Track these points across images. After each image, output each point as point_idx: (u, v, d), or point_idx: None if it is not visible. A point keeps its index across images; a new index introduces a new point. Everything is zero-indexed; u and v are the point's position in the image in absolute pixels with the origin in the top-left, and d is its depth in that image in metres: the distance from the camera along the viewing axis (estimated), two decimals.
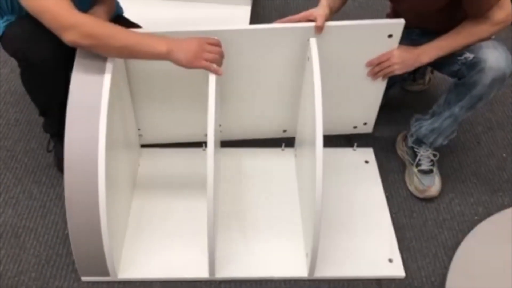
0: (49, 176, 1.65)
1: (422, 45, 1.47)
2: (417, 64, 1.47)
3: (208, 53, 1.26)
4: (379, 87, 1.56)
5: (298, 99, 1.58)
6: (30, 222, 1.53)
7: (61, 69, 1.37)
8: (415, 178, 1.63)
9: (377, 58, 1.47)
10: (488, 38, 1.43)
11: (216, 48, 1.28)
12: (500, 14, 1.36)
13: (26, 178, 1.65)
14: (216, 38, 1.31)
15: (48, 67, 1.34)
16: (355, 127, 1.72)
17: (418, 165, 1.63)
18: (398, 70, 1.47)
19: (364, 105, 1.64)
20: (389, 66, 1.47)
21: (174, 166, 1.68)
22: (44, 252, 1.46)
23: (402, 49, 1.46)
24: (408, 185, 1.66)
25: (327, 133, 1.71)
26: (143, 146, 1.73)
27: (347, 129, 1.73)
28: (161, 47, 1.22)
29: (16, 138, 1.77)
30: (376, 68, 1.49)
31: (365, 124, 1.71)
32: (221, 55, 1.30)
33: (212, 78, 1.28)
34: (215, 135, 1.27)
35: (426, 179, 1.61)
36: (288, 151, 1.75)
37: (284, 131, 1.72)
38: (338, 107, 1.62)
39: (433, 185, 1.61)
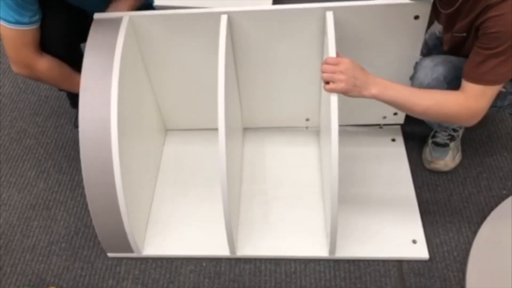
0: (78, 151, 1.64)
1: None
2: (360, 94, 1.19)
3: None
4: (408, 74, 1.46)
5: (320, 86, 1.54)
6: (60, 195, 1.60)
7: (66, 41, 1.44)
8: (427, 148, 1.61)
9: (325, 59, 1.21)
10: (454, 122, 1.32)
11: None
12: (475, 96, 1.17)
13: (56, 152, 1.71)
14: None
15: (54, 36, 1.40)
16: (384, 117, 1.66)
17: (433, 136, 1.60)
18: (342, 86, 1.16)
19: None
20: (333, 73, 1.17)
21: (199, 146, 1.69)
22: (73, 223, 1.53)
23: (359, 65, 1.19)
24: (422, 154, 1.64)
25: (355, 123, 1.68)
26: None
27: (376, 119, 1.68)
28: None
29: (46, 114, 1.84)
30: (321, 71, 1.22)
31: (395, 114, 1.64)
32: None
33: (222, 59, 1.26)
34: (226, 110, 1.25)
35: (436, 152, 1.57)
36: (312, 130, 1.72)
37: (307, 119, 1.69)
38: None
39: (442, 159, 1.56)
